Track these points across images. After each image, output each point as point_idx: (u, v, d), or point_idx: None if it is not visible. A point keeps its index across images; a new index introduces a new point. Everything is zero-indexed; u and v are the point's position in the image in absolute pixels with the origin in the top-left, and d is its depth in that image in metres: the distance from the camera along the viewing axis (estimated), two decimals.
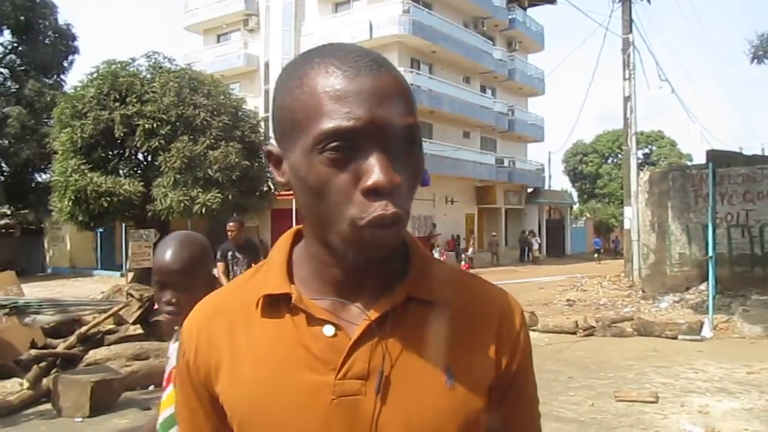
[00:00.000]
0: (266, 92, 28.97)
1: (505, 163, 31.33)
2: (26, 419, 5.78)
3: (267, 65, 29.08)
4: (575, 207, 44.73)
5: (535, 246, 30.22)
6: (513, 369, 0.83)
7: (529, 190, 34.49)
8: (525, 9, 34.22)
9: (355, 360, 0.75)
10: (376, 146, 0.69)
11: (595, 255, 31.75)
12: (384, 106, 0.69)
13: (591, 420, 5.29)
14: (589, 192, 49.20)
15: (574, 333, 9.36)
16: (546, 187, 36.32)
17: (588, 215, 43.64)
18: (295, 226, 0.86)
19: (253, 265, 5.69)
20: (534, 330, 9.72)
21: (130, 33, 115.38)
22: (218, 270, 6.46)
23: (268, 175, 18.16)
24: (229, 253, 6.61)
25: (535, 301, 13.37)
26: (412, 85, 20.69)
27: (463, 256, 25.35)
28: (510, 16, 32.38)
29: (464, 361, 0.78)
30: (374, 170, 0.68)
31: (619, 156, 37.61)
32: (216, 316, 0.83)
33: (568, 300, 13.79)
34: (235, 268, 6.50)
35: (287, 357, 0.76)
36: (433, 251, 25.01)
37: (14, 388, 6.29)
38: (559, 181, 78.14)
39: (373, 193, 0.68)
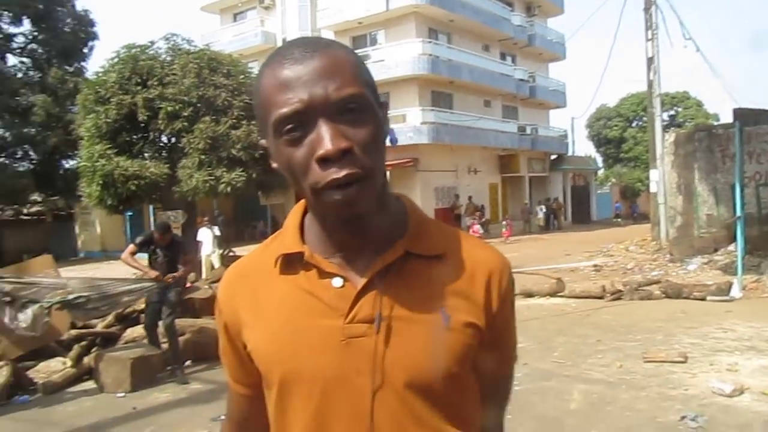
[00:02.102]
0: None
1: (528, 131, 30.96)
2: (71, 396, 6.01)
3: (284, 42, 28.93)
4: (600, 172, 44.16)
5: (540, 215, 29.47)
6: (497, 316, 0.93)
7: (553, 157, 34.10)
8: None
9: (361, 306, 0.87)
10: (321, 120, 0.80)
11: (618, 219, 31.59)
12: (319, 85, 0.80)
13: (619, 381, 5.35)
14: (614, 157, 48.48)
15: (601, 297, 9.37)
16: (570, 154, 35.86)
17: (613, 180, 43.09)
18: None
19: (176, 261, 5.71)
20: (561, 296, 9.75)
21: (147, 16, 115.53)
22: (126, 250, 6.58)
23: None
24: (151, 247, 6.65)
25: (561, 268, 13.36)
26: (430, 55, 20.36)
27: (505, 222, 25.28)
28: None
29: (458, 304, 0.89)
30: (321, 141, 0.79)
31: (644, 119, 36.92)
32: (242, 278, 0.98)
33: (594, 266, 13.75)
34: (154, 261, 6.55)
35: (303, 307, 0.89)
36: (462, 221, 25.08)
37: (57, 367, 6.53)
38: (583, 146, 77.00)
39: (324, 161, 0.79)
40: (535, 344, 6.68)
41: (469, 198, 26.06)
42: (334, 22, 26.55)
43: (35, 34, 26.44)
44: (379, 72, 25.18)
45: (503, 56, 31.08)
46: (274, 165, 0.89)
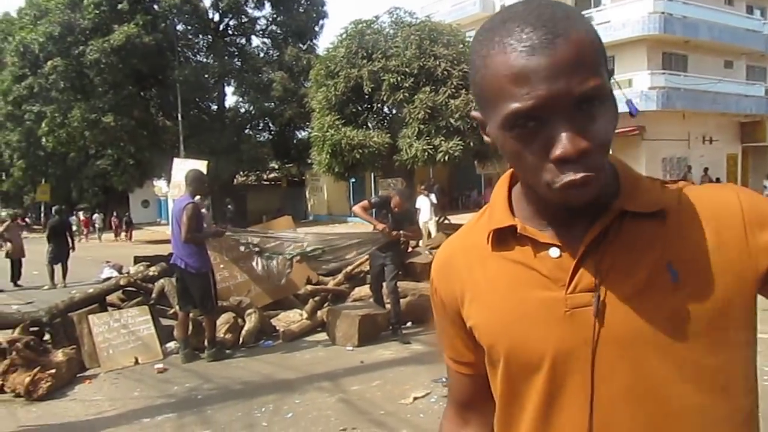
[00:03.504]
0: None
1: None
2: (307, 345, 6.63)
3: (504, 7, 28.51)
4: None
5: None
6: None
7: None
8: None
9: (582, 275, 0.82)
10: (560, 117, 0.74)
11: None
12: (561, 79, 0.73)
13: None
14: None
15: None
16: None
17: None
18: (509, 170, 0.93)
19: (403, 229, 5.65)
20: None
21: None
22: (360, 204, 6.80)
23: None
24: (384, 211, 6.74)
25: None
26: (662, 13, 18.60)
27: None
28: None
29: (688, 257, 0.81)
30: (561, 141, 0.74)
31: None
32: (455, 257, 0.97)
33: None
34: (384, 220, 6.67)
35: (520, 280, 0.86)
36: None
37: (295, 317, 7.22)
38: None
39: (562, 162, 0.74)
40: None
41: (705, 170, 23.62)
42: None
43: (275, 16, 29.06)
44: (604, 34, 23.27)
45: (750, 9, 27.40)
46: (488, 139, 0.85)
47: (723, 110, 24.82)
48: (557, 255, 0.84)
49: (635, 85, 23.03)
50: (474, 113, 0.87)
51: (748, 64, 27.33)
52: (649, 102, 22.44)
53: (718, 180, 24.41)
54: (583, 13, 23.29)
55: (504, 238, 0.89)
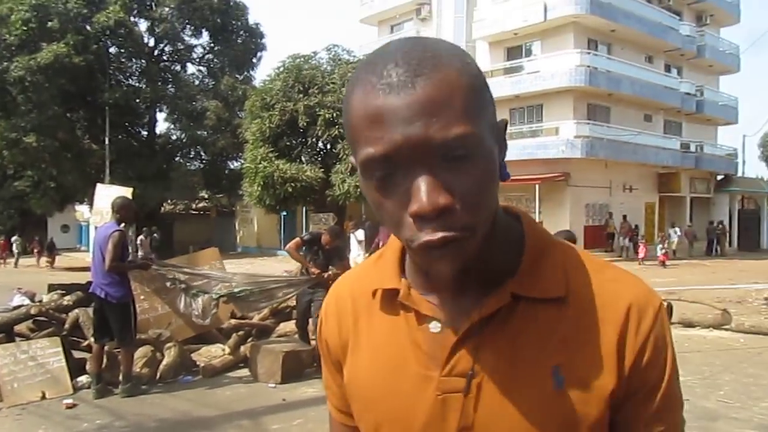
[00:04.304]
0: None
1: (692, 148, 28.82)
2: (229, 381, 6.43)
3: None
4: None
5: (674, 238, 25.02)
6: (642, 373, 0.73)
7: (719, 177, 31.49)
8: None
9: (460, 358, 0.75)
10: (419, 167, 0.64)
11: None
12: (419, 123, 0.63)
13: None
14: None
15: None
16: (739, 174, 32.95)
17: None
18: None
19: (331, 265, 5.76)
20: (727, 329, 8.95)
21: (310, 28, 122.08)
22: (292, 242, 7.06)
23: None
24: (315, 247, 6.88)
25: (727, 297, 12.24)
26: (588, 67, 19.53)
27: (661, 246, 22.51)
28: None
29: (578, 362, 0.73)
30: (416, 195, 0.64)
31: None
32: (344, 300, 0.89)
33: (766, 298, 12.46)
34: (313, 262, 6.83)
35: (400, 351, 0.79)
36: (615, 241, 23.88)
37: (217, 352, 7.01)
38: (754, 167, 70.48)
39: (419, 219, 0.65)
40: (698, 379, 6.16)
41: (624, 217, 24.72)
42: (489, 32, 26.42)
43: (212, 45, 28.87)
44: (532, 83, 24.69)
45: (668, 68, 29.25)
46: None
47: (642, 161, 26.14)
48: (437, 330, 0.77)
49: (561, 133, 24.02)
50: (351, 158, 0.76)
51: (666, 119, 29.02)
52: (575, 150, 23.40)
53: (636, 227, 25.59)
54: (515, 62, 24.17)
55: (391, 297, 0.81)
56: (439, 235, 0.65)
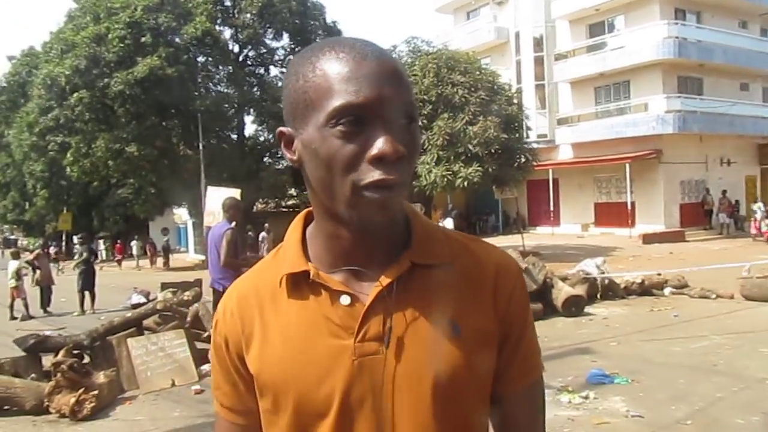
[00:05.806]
0: (518, 63, 28.85)
1: None
2: None
3: (517, 36, 28.95)
4: None
5: (758, 214, 21.29)
6: (510, 318, 0.90)
7: None
8: None
9: (371, 324, 0.84)
10: (382, 121, 0.78)
11: None
12: (388, 86, 0.78)
13: None
14: None
15: None
16: None
17: None
18: (305, 210, 0.96)
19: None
20: None
21: (387, 21, 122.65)
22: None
23: (525, 146, 18.21)
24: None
25: None
26: (676, 38, 18.85)
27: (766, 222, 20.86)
28: None
29: (467, 314, 0.87)
30: (381, 141, 0.77)
31: None
32: (246, 297, 0.93)
33: None
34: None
35: (311, 327, 0.86)
36: (713, 218, 22.76)
37: None
38: None
39: (378, 160, 0.77)
40: None
41: (723, 192, 23.55)
42: (570, 10, 25.80)
43: (293, 46, 29.60)
44: (617, 60, 23.95)
45: (765, 32, 27.56)
46: (293, 157, 0.86)
47: (740, 132, 24.87)
48: (348, 302, 0.85)
49: (651, 109, 23.19)
50: (281, 128, 0.87)
51: (764, 86, 27.40)
52: (666, 125, 22.56)
53: (737, 202, 24.36)
54: (598, 38, 23.61)
55: (297, 281, 0.88)
56: (394, 175, 0.78)
